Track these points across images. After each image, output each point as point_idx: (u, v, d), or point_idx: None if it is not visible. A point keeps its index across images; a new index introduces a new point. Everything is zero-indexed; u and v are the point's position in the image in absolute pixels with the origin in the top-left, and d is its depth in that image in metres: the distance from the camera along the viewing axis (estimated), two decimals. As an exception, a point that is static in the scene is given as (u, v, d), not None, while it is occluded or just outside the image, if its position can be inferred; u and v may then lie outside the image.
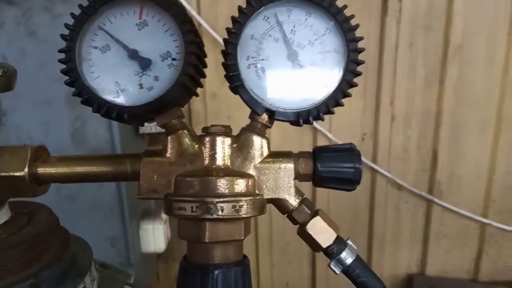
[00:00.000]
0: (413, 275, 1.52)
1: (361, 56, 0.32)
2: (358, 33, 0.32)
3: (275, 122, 0.34)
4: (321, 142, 1.34)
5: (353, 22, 0.32)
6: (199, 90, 0.36)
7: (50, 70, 0.90)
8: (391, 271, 1.53)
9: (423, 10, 1.25)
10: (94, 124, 0.95)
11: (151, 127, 1.14)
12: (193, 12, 1.18)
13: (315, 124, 1.29)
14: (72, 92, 0.33)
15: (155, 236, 1.18)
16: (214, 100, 1.27)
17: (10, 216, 0.37)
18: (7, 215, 0.37)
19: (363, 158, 1.38)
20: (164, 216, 1.24)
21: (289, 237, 1.45)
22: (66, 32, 0.34)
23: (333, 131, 1.33)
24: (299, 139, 1.32)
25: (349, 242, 0.34)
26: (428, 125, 1.37)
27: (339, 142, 1.32)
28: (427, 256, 1.52)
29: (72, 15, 0.34)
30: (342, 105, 0.32)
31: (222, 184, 0.31)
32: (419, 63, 1.30)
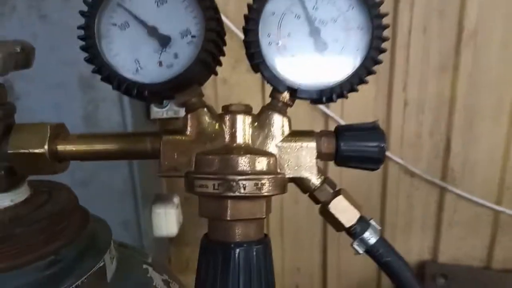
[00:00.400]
0: (425, 262, 1.52)
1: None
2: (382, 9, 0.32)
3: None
4: (333, 127, 1.33)
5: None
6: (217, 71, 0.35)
7: (62, 53, 0.90)
8: (403, 258, 1.53)
9: (437, -6, 1.24)
10: (106, 108, 0.96)
11: (162, 112, 1.13)
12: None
13: (326, 109, 1.29)
14: (91, 69, 0.32)
15: (167, 220, 1.19)
16: (224, 86, 1.27)
17: (30, 194, 0.37)
18: (27, 192, 0.37)
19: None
20: (176, 200, 1.24)
21: (300, 223, 1.46)
22: (83, 11, 0.33)
23: (345, 117, 1.32)
24: (310, 125, 1.31)
25: (372, 222, 0.34)
26: (442, 111, 1.35)
27: (352, 128, 1.31)
28: (439, 244, 1.51)
29: (91, -9, 0.33)
30: (366, 82, 0.31)
31: (243, 162, 0.31)
32: (432, 48, 1.28)
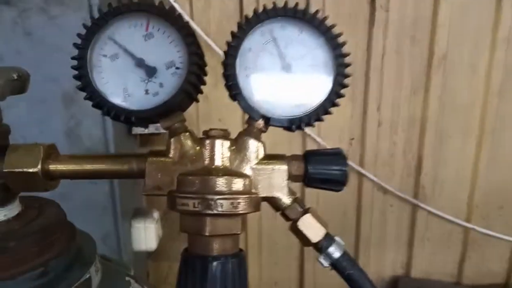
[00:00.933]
0: (398, 277, 1.56)
1: (349, 67, 0.36)
2: (346, 47, 0.36)
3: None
4: (311, 146, 1.37)
5: (340, 39, 0.35)
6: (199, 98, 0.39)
7: (45, 70, 0.91)
8: (377, 273, 1.56)
9: (409, 21, 1.30)
10: (88, 123, 0.97)
11: (143, 128, 1.16)
12: (186, 17, 1.21)
13: (305, 128, 1.33)
14: (84, 96, 0.36)
15: (147, 234, 1.20)
16: (206, 103, 1.30)
17: (21, 209, 0.40)
18: (19, 208, 0.39)
19: (350, 163, 1.41)
20: (155, 215, 1.26)
21: (278, 237, 1.48)
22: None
23: (322, 135, 1.36)
24: (290, 143, 1.36)
25: (337, 238, 0.37)
26: (414, 131, 1.41)
27: (328, 147, 1.36)
28: (412, 259, 1.55)
29: (84, 25, 0.36)
30: (331, 113, 0.35)
31: (221, 183, 0.34)
32: (405, 71, 1.34)
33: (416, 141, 1.42)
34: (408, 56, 1.32)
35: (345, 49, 0.35)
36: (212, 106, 1.30)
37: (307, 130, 1.34)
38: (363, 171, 1.42)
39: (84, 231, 0.45)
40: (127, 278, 0.46)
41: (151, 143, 1.33)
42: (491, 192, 1.47)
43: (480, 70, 1.34)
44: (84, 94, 0.36)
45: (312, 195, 1.43)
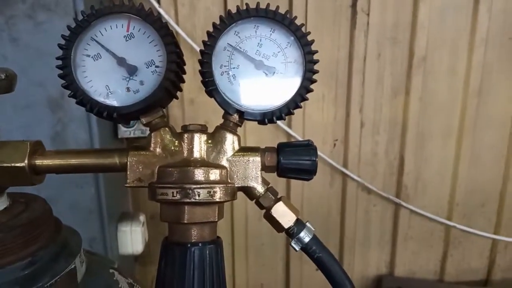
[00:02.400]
0: (382, 276, 1.58)
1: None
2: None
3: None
4: (295, 147, 1.39)
5: (309, 37, 0.38)
6: (178, 96, 0.41)
7: (31, 75, 0.93)
8: (362, 272, 1.59)
9: (389, 24, 1.33)
10: (74, 127, 0.99)
11: (130, 132, 1.17)
12: (171, 22, 1.24)
13: (289, 129, 1.35)
14: (68, 94, 0.38)
15: (133, 238, 1.21)
16: (192, 106, 1.32)
17: (8, 203, 0.41)
18: (6, 202, 0.41)
19: (334, 163, 1.43)
20: (142, 218, 1.27)
21: (264, 240, 1.50)
22: (55, 40, 0.39)
23: (306, 136, 1.38)
24: (274, 143, 1.38)
25: (307, 224, 0.40)
26: (395, 131, 1.44)
27: (311, 148, 1.37)
28: (395, 258, 1.58)
29: (68, 27, 0.38)
30: (300, 107, 0.38)
31: (199, 173, 0.36)
32: (386, 73, 1.37)
33: (398, 142, 1.45)
34: (389, 58, 1.35)
35: (314, 47, 0.37)
36: (198, 109, 1.32)
37: (292, 131, 1.37)
38: (347, 172, 1.44)
39: (69, 226, 0.46)
40: (111, 270, 0.47)
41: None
42: (472, 190, 1.51)
43: (459, 71, 1.38)
44: (70, 95, 0.38)
45: (297, 195, 1.45)
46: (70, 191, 1.02)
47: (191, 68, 1.11)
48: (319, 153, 1.37)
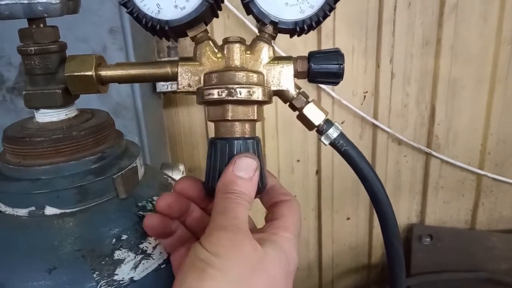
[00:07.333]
0: (413, 225, 1.62)
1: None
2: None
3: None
4: (325, 100, 1.43)
5: None
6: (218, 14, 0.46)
7: (76, 32, 0.99)
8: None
9: (419, -29, 1.33)
10: (117, 81, 1.05)
11: (166, 86, 1.24)
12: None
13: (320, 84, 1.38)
14: (125, 11, 0.44)
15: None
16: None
17: (78, 112, 0.48)
18: (76, 111, 0.48)
19: (365, 115, 1.46)
20: (181, 167, 1.35)
21: (296, 191, 1.55)
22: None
23: (336, 89, 1.42)
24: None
25: (336, 123, 0.45)
26: (426, 81, 1.45)
27: (342, 101, 1.40)
28: (426, 207, 1.61)
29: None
30: (328, 15, 0.43)
31: (240, 76, 0.42)
32: (417, 22, 1.38)
33: (429, 92, 1.47)
34: (419, 7, 1.36)
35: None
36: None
37: (322, 85, 1.40)
38: (377, 123, 1.47)
39: (127, 139, 0.53)
40: (165, 176, 0.55)
41: (173, 101, 1.42)
42: (504, 140, 1.52)
43: (491, 18, 1.37)
44: (127, 11, 0.44)
45: (328, 152, 1.49)
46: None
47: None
48: (349, 105, 1.41)
